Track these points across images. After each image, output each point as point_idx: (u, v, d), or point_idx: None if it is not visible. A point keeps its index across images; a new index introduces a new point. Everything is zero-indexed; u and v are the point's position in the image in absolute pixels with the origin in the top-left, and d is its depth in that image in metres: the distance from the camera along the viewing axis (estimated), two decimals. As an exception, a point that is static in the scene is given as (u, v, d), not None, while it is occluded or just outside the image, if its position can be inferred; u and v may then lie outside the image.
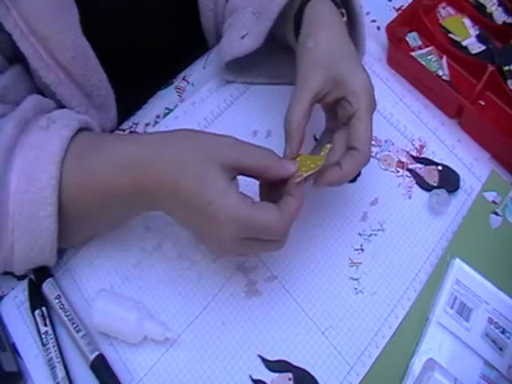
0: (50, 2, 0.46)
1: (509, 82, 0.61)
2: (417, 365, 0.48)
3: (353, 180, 0.57)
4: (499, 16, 0.69)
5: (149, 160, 0.42)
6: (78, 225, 0.47)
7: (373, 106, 0.47)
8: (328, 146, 0.46)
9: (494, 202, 0.57)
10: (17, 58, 0.49)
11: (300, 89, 0.46)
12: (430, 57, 0.66)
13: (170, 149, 0.43)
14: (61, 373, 0.45)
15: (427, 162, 0.59)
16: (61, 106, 0.51)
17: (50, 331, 0.47)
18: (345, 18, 0.51)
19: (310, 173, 0.44)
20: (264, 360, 0.48)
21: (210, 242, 0.44)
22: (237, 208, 0.40)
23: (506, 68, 0.61)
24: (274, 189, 0.45)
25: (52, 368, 0.45)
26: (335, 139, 0.47)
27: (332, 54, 0.46)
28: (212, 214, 0.40)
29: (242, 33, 0.56)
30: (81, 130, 0.47)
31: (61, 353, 0.46)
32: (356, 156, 0.45)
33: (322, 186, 0.46)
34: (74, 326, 0.47)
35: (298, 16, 0.50)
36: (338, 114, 0.47)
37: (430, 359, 0.48)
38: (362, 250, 0.54)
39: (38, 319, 0.47)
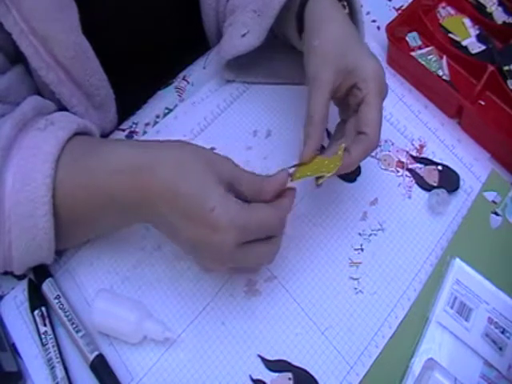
0: (49, 1, 0.46)
1: (509, 82, 0.61)
2: (417, 365, 0.48)
3: (353, 180, 0.57)
4: (499, 16, 0.69)
5: (147, 163, 0.42)
6: (74, 227, 0.47)
7: (383, 91, 0.46)
8: (343, 145, 0.45)
9: (493, 201, 0.57)
10: (18, 57, 0.49)
11: (315, 88, 0.46)
12: (429, 57, 0.66)
13: (170, 152, 0.43)
14: (60, 373, 0.45)
15: (427, 161, 0.59)
16: (60, 105, 0.51)
17: (50, 331, 0.47)
18: (347, 10, 0.51)
19: (329, 175, 0.44)
20: (264, 360, 0.48)
21: (206, 253, 0.42)
22: (238, 214, 0.40)
23: (506, 68, 0.61)
24: None
25: (52, 368, 0.45)
26: (347, 128, 0.47)
27: (339, 48, 0.46)
28: (213, 221, 0.40)
29: (243, 31, 0.56)
30: (79, 134, 0.47)
31: (60, 353, 0.47)
32: (364, 140, 0.45)
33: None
34: (74, 326, 0.47)
35: (300, 13, 0.50)
36: (350, 102, 0.47)
37: (430, 359, 0.48)
38: (362, 249, 0.54)
39: (38, 319, 0.47)
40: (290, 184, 0.45)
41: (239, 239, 0.41)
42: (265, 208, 0.42)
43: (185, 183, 0.41)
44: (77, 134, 0.46)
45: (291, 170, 0.46)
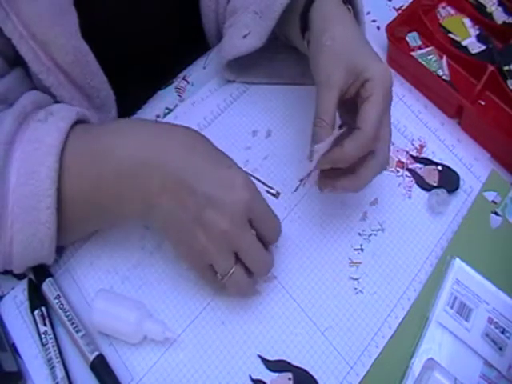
0: (49, 6, 0.46)
1: (509, 81, 0.60)
2: (417, 365, 0.48)
3: (353, 180, 0.57)
4: (499, 16, 0.69)
5: (156, 140, 0.44)
6: (77, 218, 0.47)
7: (387, 95, 0.46)
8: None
9: (493, 201, 0.57)
10: (17, 61, 0.49)
11: (325, 88, 0.45)
12: (429, 57, 0.66)
13: (178, 128, 0.45)
14: (60, 373, 0.45)
15: (427, 161, 0.59)
16: (60, 104, 0.52)
17: (50, 331, 0.47)
18: (351, 13, 0.51)
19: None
20: (264, 360, 0.48)
21: (216, 216, 0.42)
22: (250, 180, 0.44)
23: (506, 68, 0.61)
24: None
25: (52, 368, 0.45)
26: None
27: (350, 49, 0.46)
28: (231, 178, 0.42)
29: (245, 32, 0.56)
30: (79, 122, 0.47)
31: (60, 353, 0.47)
32: (357, 134, 0.44)
33: (326, 165, 0.46)
34: (74, 325, 0.47)
35: (305, 15, 0.50)
36: (358, 103, 0.47)
37: (430, 359, 0.48)
38: (362, 250, 0.54)
39: (38, 319, 0.47)
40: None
41: (251, 203, 0.43)
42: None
43: (200, 145, 0.44)
44: (77, 122, 0.46)
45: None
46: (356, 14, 0.53)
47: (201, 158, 0.43)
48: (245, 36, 0.56)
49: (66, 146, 0.44)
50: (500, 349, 0.49)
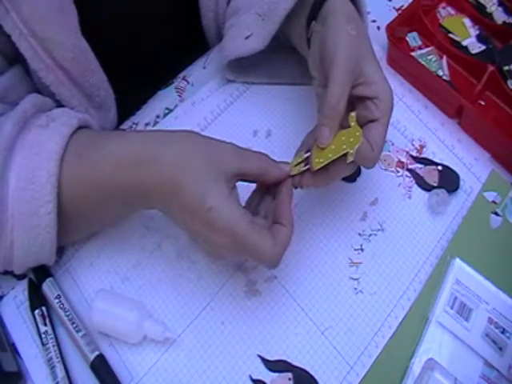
0: (49, 3, 0.46)
1: (509, 82, 0.60)
2: (417, 365, 0.48)
3: (353, 180, 0.57)
4: (499, 16, 0.69)
5: (148, 157, 0.42)
6: (77, 222, 0.47)
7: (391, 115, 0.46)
8: (352, 114, 0.45)
9: (494, 202, 0.57)
10: (17, 58, 0.49)
11: (338, 68, 0.43)
12: (429, 57, 0.66)
13: (170, 147, 0.43)
14: (60, 372, 0.45)
15: (427, 162, 0.59)
16: (60, 106, 0.51)
17: (50, 331, 0.47)
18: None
19: (355, 149, 0.43)
20: (264, 360, 0.48)
21: (205, 246, 0.44)
22: (235, 221, 0.41)
23: (506, 68, 0.61)
24: (266, 197, 0.47)
25: (52, 368, 0.46)
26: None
27: (363, 52, 0.45)
28: (210, 221, 0.40)
29: (247, 33, 0.56)
30: (80, 127, 0.47)
31: (60, 353, 0.47)
32: (368, 154, 0.44)
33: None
34: (74, 325, 0.47)
35: (311, 17, 0.49)
36: (361, 113, 0.46)
37: (430, 359, 0.48)
38: (362, 249, 0.54)
39: (38, 319, 0.47)
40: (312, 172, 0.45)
41: (232, 246, 0.42)
42: (266, 240, 0.42)
43: (184, 179, 0.41)
44: (78, 127, 0.46)
45: (306, 155, 0.46)
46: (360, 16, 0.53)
47: (184, 197, 0.41)
48: (247, 37, 0.56)
49: (66, 151, 0.44)
50: (500, 349, 0.49)
